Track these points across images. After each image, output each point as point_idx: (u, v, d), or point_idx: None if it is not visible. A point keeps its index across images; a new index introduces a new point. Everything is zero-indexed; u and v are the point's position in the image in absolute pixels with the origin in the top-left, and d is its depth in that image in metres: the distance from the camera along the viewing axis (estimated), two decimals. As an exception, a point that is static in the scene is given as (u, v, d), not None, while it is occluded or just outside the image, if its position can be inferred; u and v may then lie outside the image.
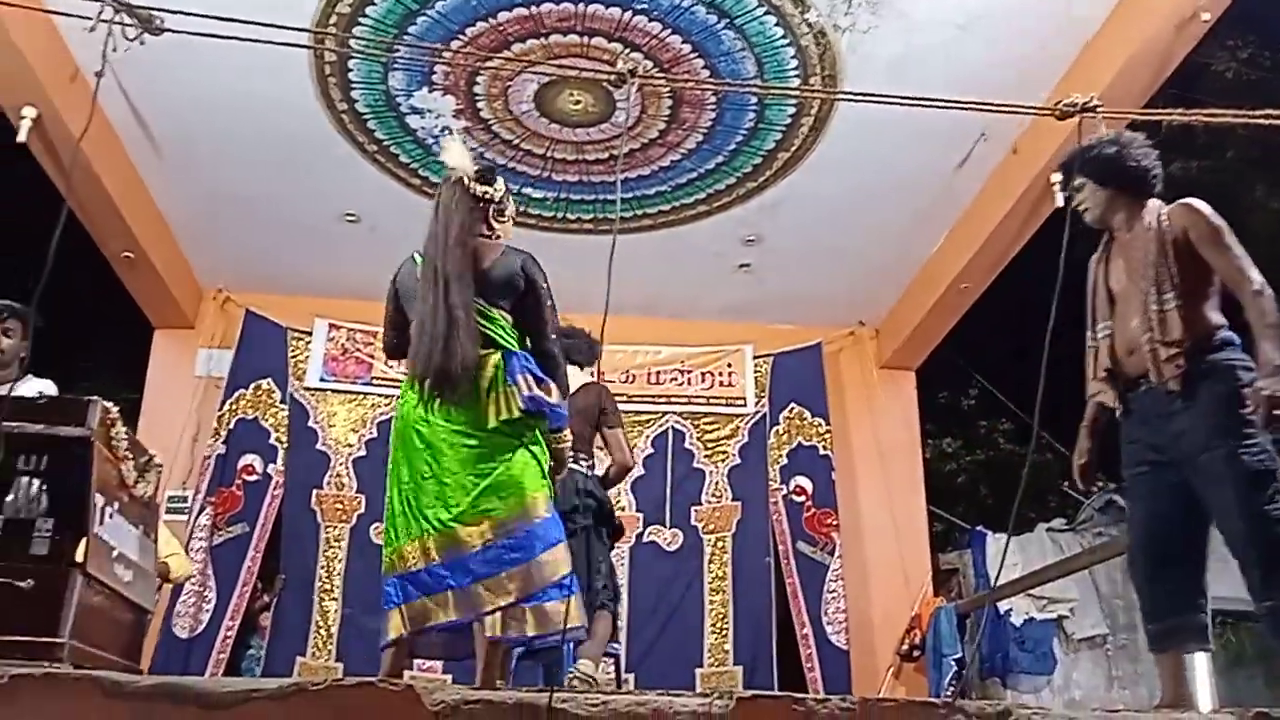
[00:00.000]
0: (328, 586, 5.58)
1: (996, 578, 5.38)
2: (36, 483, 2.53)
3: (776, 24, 4.13)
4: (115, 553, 2.77)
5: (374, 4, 4.00)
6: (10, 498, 2.51)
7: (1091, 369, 2.87)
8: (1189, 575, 2.65)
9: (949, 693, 5.23)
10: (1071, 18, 4.06)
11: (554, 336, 2.84)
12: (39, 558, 2.49)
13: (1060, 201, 4.47)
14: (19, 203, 5.38)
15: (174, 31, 2.28)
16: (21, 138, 4.10)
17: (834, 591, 5.82)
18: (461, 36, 4.16)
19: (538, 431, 2.75)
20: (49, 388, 3.76)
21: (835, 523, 5.97)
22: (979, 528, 6.69)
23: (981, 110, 3.55)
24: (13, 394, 3.31)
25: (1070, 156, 2.93)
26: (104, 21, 2.19)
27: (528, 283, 2.78)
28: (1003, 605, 5.94)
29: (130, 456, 2.87)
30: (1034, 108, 3.81)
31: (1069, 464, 3.02)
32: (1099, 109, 3.13)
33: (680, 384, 6.20)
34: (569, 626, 2.58)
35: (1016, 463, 9.35)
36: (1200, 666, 5.31)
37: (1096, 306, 2.87)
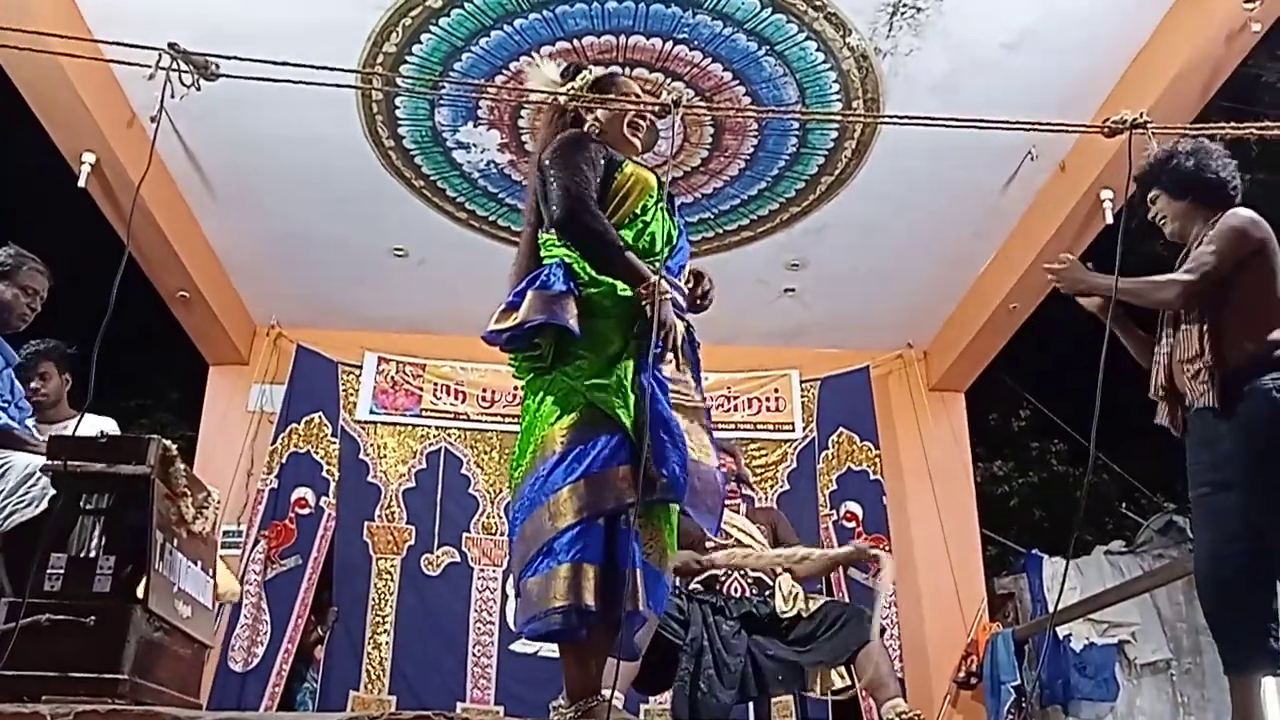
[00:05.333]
0: (379, 618, 5.61)
1: (1056, 602, 5.29)
2: (98, 521, 2.59)
3: (818, 49, 4.14)
4: (175, 589, 2.81)
5: (419, 42, 4.07)
6: (73, 536, 2.56)
7: (1153, 387, 2.82)
8: (1259, 599, 2.58)
9: (1008, 720, 5.13)
10: (1118, 33, 4.02)
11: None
12: (101, 595, 2.53)
13: (1110, 218, 4.42)
14: (73, 243, 5.51)
15: (229, 76, 2.34)
16: (82, 183, 4.21)
17: (887, 618, 5.74)
18: (505, 71, 4.22)
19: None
20: (110, 425, 3.85)
21: (887, 548, 5.90)
22: (1034, 551, 6.58)
23: (1028, 130, 3.52)
24: (75, 433, 3.41)
25: (1145, 168, 2.88)
26: (163, 69, 2.25)
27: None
28: (1062, 630, 5.82)
29: (188, 493, 2.91)
30: (1082, 125, 3.77)
31: (1127, 485, 2.98)
32: (1149, 124, 3.08)
33: (726, 410, 6.17)
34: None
35: (1070, 484, 9.20)
36: (1272, 692, 5.16)
37: (1163, 322, 2.82)
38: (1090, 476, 2.95)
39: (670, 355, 2.42)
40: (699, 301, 2.63)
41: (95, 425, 3.76)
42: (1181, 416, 2.73)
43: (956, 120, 3.27)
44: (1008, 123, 3.33)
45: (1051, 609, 5.67)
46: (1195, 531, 2.80)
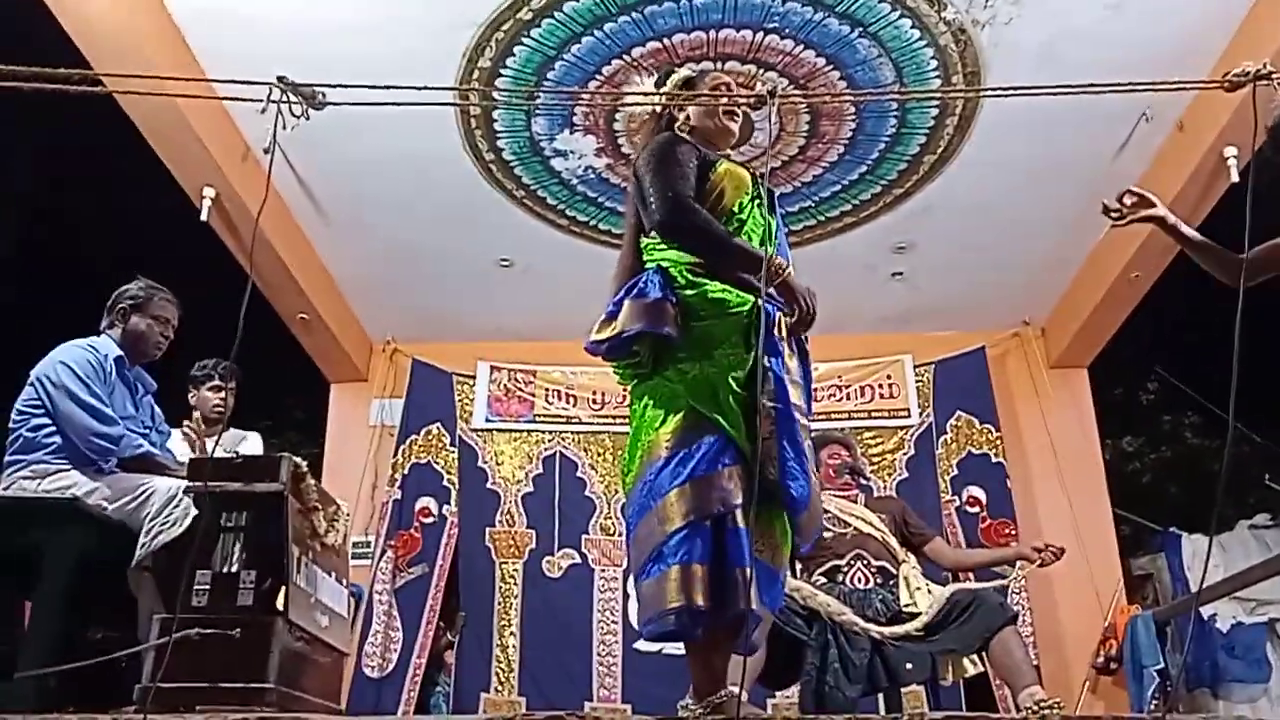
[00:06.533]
0: (505, 621, 5.72)
1: (1201, 581, 5.05)
2: (238, 538, 2.71)
3: (913, 26, 4.05)
4: (312, 599, 2.91)
5: (513, 55, 4.13)
6: (216, 553, 2.69)
7: None
8: None
9: (1153, 706, 4.93)
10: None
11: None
12: (245, 608, 2.64)
13: (1236, 176, 4.20)
14: (197, 273, 5.78)
15: (335, 105, 2.42)
16: (204, 216, 4.41)
17: (1018, 604, 5.58)
18: (598, 77, 4.25)
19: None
20: (257, 440, 4.09)
21: (1014, 532, 5.73)
22: (1171, 529, 6.30)
23: (1141, 90, 3.37)
24: (236, 450, 3.64)
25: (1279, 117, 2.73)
26: (273, 102, 2.34)
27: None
28: (1206, 610, 5.56)
29: (319, 507, 3.02)
30: (1200, 82, 3.59)
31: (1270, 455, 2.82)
32: (1273, 75, 2.91)
33: (838, 399, 6.09)
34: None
35: (1206, 458, 8.78)
36: None
37: None
38: (1230, 447, 2.79)
39: (793, 354, 2.41)
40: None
41: (254, 441, 4.02)
42: None
43: (1064, 87, 3.15)
44: (1118, 85, 3.19)
45: (1194, 588, 5.43)
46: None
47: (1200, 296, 4.69)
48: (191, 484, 2.77)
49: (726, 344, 2.37)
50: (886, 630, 3.54)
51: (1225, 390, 2.57)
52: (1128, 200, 2.78)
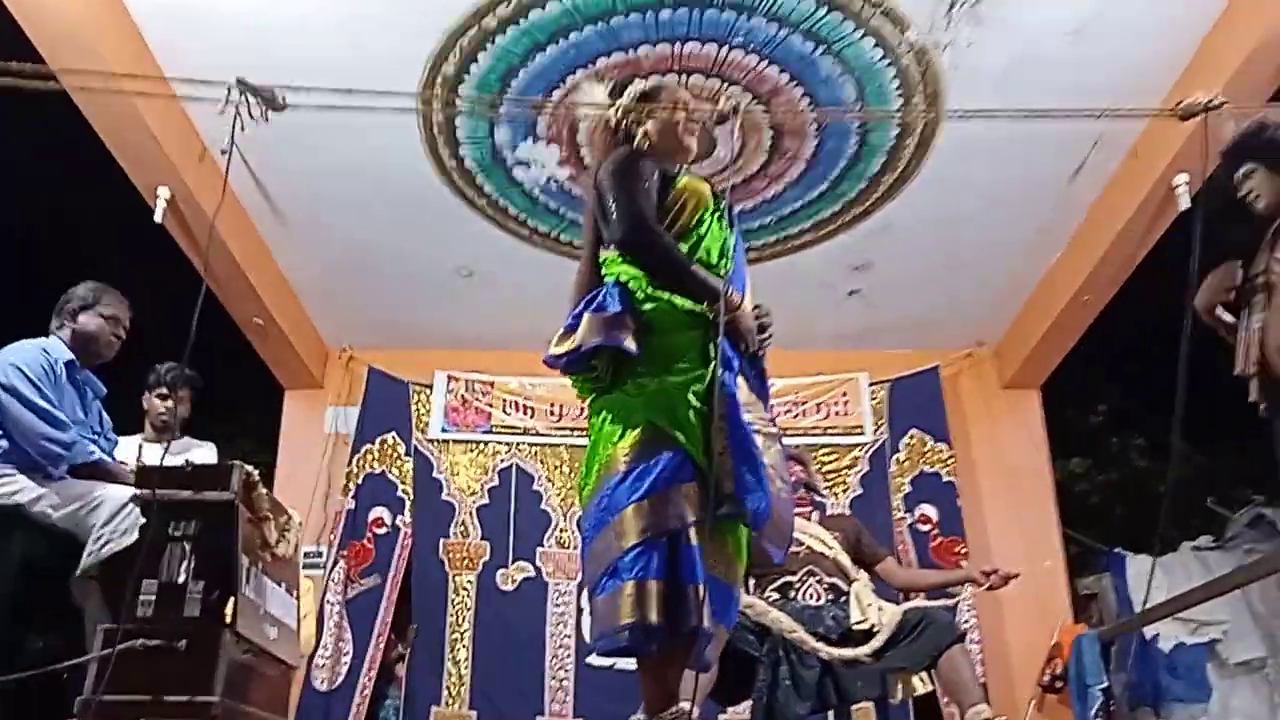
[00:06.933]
0: (457, 635, 5.66)
1: (1144, 601, 5.15)
2: (187, 547, 2.65)
3: (875, 46, 4.09)
4: (261, 611, 2.86)
5: (476, 63, 4.11)
6: (164, 563, 2.63)
7: (1241, 362, 2.73)
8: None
9: (1097, 724, 4.99)
10: (1187, 13, 3.90)
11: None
12: (191, 619, 2.59)
13: (1186, 203, 4.29)
14: (150, 276, 5.67)
15: (296, 107, 2.40)
16: (158, 218, 4.33)
17: (968, 622, 5.63)
18: (563, 86, 4.24)
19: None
20: (211, 451, 3.99)
21: (964, 551, 5.79)
22: (1117, 549, 6.40)
23: (1096, 117, 3.44)
24: (186, 459, 3.57)
25: (1236, 141, 2.79)
26: (232, 103, 2.31)
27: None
28: (1149, 630, 5.65)
29: (271, 517, 2.97)
30: (1153, 110, 3.67)
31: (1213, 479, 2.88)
32: (1225, 105, 2.99)
33: (794, 416, 6.12)
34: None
35: (1153, 480, 8.94)
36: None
37: (1253, 294, 2.74)
38: (1174, 470, 2.86)
39: (750, 368, 2.41)
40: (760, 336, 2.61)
41: (202, 455, 3.93)
42: (1275, 396, 2.64)
43: (1020, 111, 3.21)
44: (1073, 111, 3.26)
45: (1138, 608, 5.51)
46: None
47: (1150, 321, 4.78)
48: (139, 492, 2.72)
49: (685, 358, 2.37)
50: (837, 652, 3.55)
51: (1172, 413, 2.63)
52: None
